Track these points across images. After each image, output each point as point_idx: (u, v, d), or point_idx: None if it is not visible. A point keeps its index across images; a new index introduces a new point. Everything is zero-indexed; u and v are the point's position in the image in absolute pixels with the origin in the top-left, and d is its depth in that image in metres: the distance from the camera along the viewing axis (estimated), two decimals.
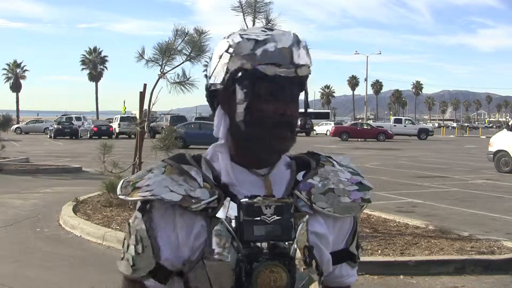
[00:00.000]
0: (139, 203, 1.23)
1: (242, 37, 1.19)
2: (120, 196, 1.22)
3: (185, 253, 1.18)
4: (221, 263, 1.11)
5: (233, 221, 1.12)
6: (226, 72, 1.20)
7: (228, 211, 1.15)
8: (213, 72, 1.24)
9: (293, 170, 1.28)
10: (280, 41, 1.17)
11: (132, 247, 1.23)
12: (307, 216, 1.20)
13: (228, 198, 1.17)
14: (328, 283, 1.33)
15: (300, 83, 1.20)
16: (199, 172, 1.21)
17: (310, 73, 1.21)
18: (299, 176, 1.27)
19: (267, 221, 1.08)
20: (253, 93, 1.17)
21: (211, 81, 1.24)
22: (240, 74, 1.18)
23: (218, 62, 1.23)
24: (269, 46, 1.17)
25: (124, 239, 1.26)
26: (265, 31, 1.20)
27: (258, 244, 1.09)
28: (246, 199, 1.11)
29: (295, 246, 1.13)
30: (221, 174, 1.22)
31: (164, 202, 1.17)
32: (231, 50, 1.20)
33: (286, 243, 1.11)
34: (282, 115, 1.17)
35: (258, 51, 1.16)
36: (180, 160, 1.25)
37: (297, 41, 1.20)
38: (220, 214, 1.16)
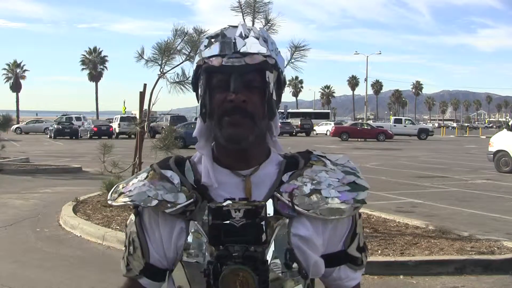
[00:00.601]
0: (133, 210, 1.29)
1: (205, 37, 1.26)
2: (108, 201, 1.28)
3: (170, 253, 1.23)
4: (195, 265, 1.15)
5: (207, 224, 1.14)
6: (193, 71, 1.27)
7: (204, 214, 1.18)
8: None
9: (281, 171, 1.26)
10: (228, 33, 1.22)
11: (126, 248, 1.30)
12: (286, 219, 1.19)
13: (205, 201, 1.19)
14: (327, 285, 1.33)
15: (260, 71, 1.20)
16: (177, 177, 1.24)
17: (271, 62, 1.20)
18: (285, 177, 1.25)
19: (235, 224, 1.08)
20: (208, 86, 1.21)
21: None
22: (199, 71, 1.24)
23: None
24: (214, 39, 1.22)
25: (125, 240, 1.33)
26: (225, 27, 1.25)
27: (231, 247, 1.08)
28: (215, 203, 1.12)
29: (272, 249, 1.13)
30: (202, 176, 1.24)
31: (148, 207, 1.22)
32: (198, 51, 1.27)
33: (259, 246, 1.09)
34: (231, 101, 1.17)
35: (206, 46, 1.22)
36: (163, 165, 1.29)
37: (246, 32, 1.22)
38: (199, 217, 1.19)
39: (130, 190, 1.24)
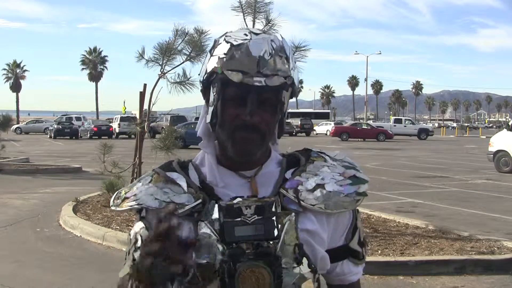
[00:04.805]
0: (137, 215, 1.28)
1: (224, 40, 1.22)
2: (112, 208, 1.27)
3: None
4: (207, 265, 1.14)
5: (216, 223, 1.14)
6: (205, 73, 1.23)
7: (213, 213, 1.17)
8: (201, 70, 1.28)
9: (283, 168, 1.28)
10: (253, 49, 1.17)
11: (132, 251, 1.26)
12: (293, 214, 1.20)
13: (213, 201, 1.19)
14: (330, 280, 1.34)
15: (277, 90, 1.19)
16: (183, 178, 1.24)
17: (289, 82, 1.20)
18: (288, 174, 1.26)
19: (247, 221, 1.09)
20: (222, 96, 1.19)
21: (199, 78, 1.29)
22: (213, 76, 1.21)
23: (204, 61, 1.27)
24: (238, 52, 1.18)
25: (126, 253, 1.29)
26: (247, 36, 1.20)
27: (243, 244, 1.09)
28: (226, 201, 1.12)
29: (282, 244, 1.14)
30: (207, 175, 1.25)
31: (153, 209, 1.21)
32: (212, 51, 1.23)
33: (271, 242, 1.11)
34: (245, 121, 1.17)
35: (228, 56, 1.18)
36: (167, 168, 1.28)
37: (273, 50, 1.19)
38: (206, 217, 1.18)
39: (135, 194, 1.24)
